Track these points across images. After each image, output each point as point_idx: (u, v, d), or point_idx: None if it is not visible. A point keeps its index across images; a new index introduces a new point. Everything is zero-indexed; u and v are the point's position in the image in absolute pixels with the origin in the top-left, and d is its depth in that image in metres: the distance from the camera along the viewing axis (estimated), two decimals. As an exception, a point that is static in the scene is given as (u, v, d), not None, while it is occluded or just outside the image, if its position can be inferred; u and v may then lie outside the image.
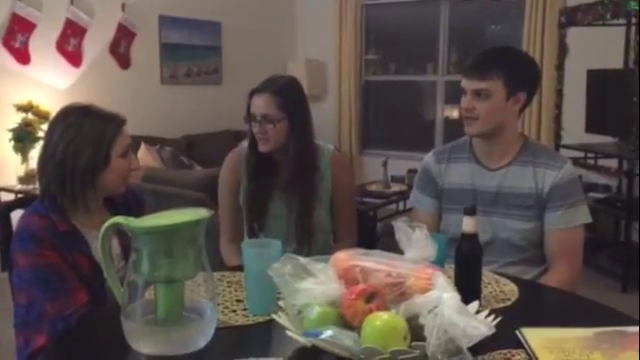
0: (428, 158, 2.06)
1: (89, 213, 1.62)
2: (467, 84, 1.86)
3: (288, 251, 2.01)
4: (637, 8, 3.85)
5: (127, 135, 1.66)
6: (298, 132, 2.00)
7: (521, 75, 1.86)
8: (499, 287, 1.55)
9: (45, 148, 1.61)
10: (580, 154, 4.59)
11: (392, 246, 1.34)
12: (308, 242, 2.07)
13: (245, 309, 1.39)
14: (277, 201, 2.08)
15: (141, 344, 1.17)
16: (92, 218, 1.63)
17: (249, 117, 2.01)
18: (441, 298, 1.10)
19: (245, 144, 2.12)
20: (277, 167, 2.07)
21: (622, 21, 4.41)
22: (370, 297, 1.16)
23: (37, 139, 4.20)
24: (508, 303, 1.44)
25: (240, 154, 2.12)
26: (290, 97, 2.00)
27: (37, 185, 1.66)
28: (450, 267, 1.44)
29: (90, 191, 1.60)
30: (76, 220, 1.62)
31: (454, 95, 5.92)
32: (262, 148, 2.00)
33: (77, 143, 1.56)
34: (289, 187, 2.05)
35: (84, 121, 1.59)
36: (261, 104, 1.96)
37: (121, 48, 5.16)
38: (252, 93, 2.01)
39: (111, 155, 1.60)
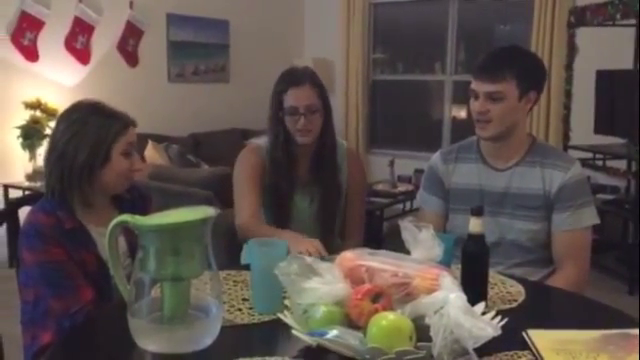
0: (435, 158, 2.05)
1: (91, 209, 1.63)
2: (479, 87, 1.82)
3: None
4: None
5: (133, 135, 1.65)
6: (330, 121, 2.03)
7: (532, 74, 1.84)
8: (505, 288, 1.54)
9: (50, 141, 1.64)
10: (588, 155, 4.56)
11: (398, 246, 1.34)
12: (332, 227, 2.06)
13: (251, 308, 1.39)
14: (298, 195, 2.08)
15: (147, 342, 1.17)
16: (99, 215, 1.63)
17: (282, 112, 1.98)
18: (447, 299, 1.10)
19: (257, 142, 2.10)
20: (298, 161, 2.07)
21: (632, 21, 4.38)
22: (376, 297, 1.16)
23: (45, 136, 4.23)
24: (514, 304, 1.44)
25: (260, 148, 2.07)
26: (323, 86, 2.02)
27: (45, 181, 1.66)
28: (457, 268, 1.43)
29: (86, 187, 1.60)
30: (83, 217, 1.62)
31: (462, 95, 5.91)
32: (305, 140, 1.98)
33: (78, 138, 1.57)
34: (311, 179, 2.05)
35: (90, 117, 1.60)
36: (304, 95, 1.95)
37: (129, 46, 5.17)
38: (287, 87, 1.98)
39: (112, 153, 1.60)
